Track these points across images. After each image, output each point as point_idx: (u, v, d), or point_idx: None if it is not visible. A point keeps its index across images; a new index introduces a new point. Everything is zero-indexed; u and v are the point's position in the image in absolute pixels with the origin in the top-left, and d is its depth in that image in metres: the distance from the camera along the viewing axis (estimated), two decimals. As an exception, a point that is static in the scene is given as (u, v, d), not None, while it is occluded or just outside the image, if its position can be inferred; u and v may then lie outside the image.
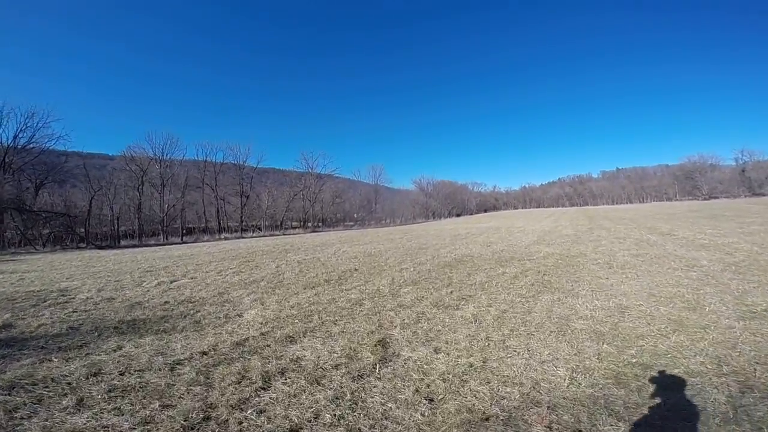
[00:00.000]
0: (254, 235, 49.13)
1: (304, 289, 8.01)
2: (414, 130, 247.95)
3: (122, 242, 41.32)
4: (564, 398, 3.06)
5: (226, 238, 43.89)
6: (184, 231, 55.26)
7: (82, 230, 40.16)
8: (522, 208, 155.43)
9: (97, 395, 3.34)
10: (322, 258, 13.08)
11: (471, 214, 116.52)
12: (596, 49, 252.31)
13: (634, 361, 3.71)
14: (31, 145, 36.22)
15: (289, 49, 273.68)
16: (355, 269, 10.20)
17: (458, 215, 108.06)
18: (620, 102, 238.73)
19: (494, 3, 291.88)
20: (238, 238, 43.99)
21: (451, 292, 7.16)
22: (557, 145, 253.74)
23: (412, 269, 9.99)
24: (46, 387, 3.54)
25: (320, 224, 65.01)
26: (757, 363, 3.51)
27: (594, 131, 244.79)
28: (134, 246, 37.24)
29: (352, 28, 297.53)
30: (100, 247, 34.96)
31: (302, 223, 62.93)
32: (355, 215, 77.17)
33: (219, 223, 57.15)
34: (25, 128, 35.03)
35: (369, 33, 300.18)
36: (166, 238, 44.48)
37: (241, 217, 55.13)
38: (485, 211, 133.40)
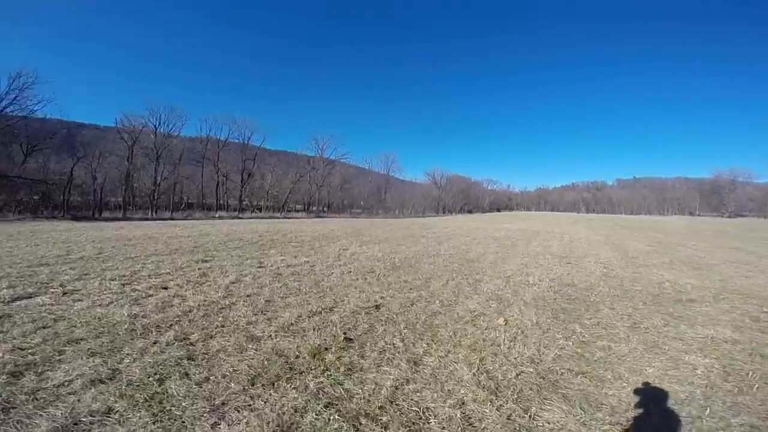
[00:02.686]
0: (252, 215, 44.78)
1: (246, 387, 3.33)
2: (429, 122, 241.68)
3: (105, 214, 37.20)
4: None
5: (221, 217, 39.68)
6: (181, 206, 51.30)
7: (61, 199, 36.14)
8: (535, 210, 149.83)
9: None
10: (319, 267, 8.35)
11: (483, 212, 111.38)
12: (620, 56, 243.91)
13: None
14: (12, 110, 31.75)
15: (305, 39, 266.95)
16: (376, 307, 5.42)
17: (470, 212, 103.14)
18: (640, 111, 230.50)
19: (519, 3, 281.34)
20: (234, 217, 39.73)
21: None
22: (573, 149, 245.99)
23: (495, 309, 5.22)
24: None
25: (325, 209, 60.48)
26: None
27: (612, 138, 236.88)
28: (115, 219, 33.08)
29: (372, 23, 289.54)
30: (76, 218, 30.85)
31: (306, 206, 58.44)
32: (362, 203, 72.71)
33: (217, 200, 52.89)
34: (9, 91, 30.47)
35: (390, 28, 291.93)
36: (154, 213, 40.22)
37: (240, 195, 50.70)
38: (498, 210, 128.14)
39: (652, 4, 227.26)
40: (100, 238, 13.33)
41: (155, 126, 43.41)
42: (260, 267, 8.07)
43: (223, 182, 52.98)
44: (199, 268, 7.78)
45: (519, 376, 3.44)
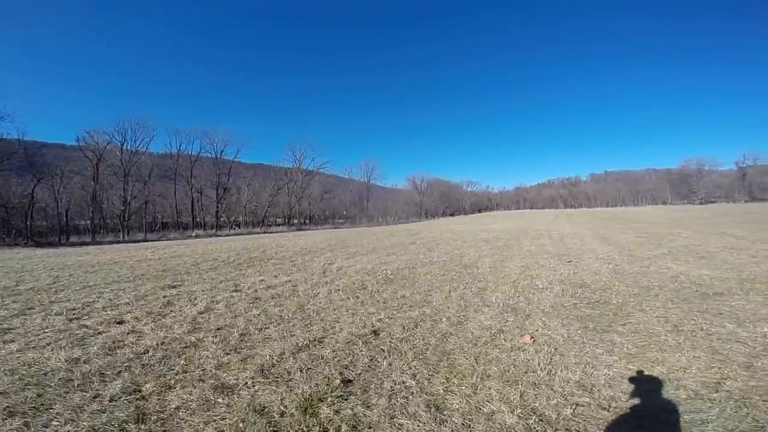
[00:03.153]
0: (231, 232, 43.22)
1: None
2: (407, 129, 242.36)
3: (72, 239, 34.98)
4: None
5: (197, 236, 38.06)
6: (156, 226, 49.07)
7: (22, 225, 33.82)
8: (515, 208, 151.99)
9: None
10: (302, 287, 7.41)
11: (465, 214, 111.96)
12: (587, 52, 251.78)
13: None
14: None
15: (277, 48, 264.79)
16: (374, 333, 4.55)
17: (452, 215, 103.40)
18: (609, 106, 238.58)
19: (488, 6, 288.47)
20: (211, 235, 38.12)
21: None
22: (548, 146, 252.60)
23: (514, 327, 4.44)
24: None
25: (307, 221, 59.18)
26: None
27: (583, 134, 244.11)
28: (83, 244, 31.15)
29: (343, 27, 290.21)
30: (40, 245, 28.83)
31: (287, 220, 56.96)
32: (345, 212, 71.72)
33: (193, 218, 50.89)
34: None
35: (362, 32, 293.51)
36: (126, 235, 38.14)
37: (217, 212, 48.86)
38: (479, 211, 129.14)
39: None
40: (60, 265, 12.03)
41: (121, 142, 41.42)
42: (235, 291, 7.09)
43: (198, 199, 51.04)
44: (164, 296, 6.75)
45: (576, 411, 2.66)
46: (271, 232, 42.43)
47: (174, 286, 7.79)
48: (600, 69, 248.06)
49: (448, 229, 27.45)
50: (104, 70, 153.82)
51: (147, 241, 33.81)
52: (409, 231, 27.78)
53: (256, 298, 6.41)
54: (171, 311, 5.72)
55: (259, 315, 5.36)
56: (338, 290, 6.85)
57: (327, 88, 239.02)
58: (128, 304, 6.26)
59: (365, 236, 22.81)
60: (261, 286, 7.35)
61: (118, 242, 32.61)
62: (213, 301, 6.26)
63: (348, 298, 6.28)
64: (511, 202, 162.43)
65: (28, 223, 33.80)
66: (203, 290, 7.24)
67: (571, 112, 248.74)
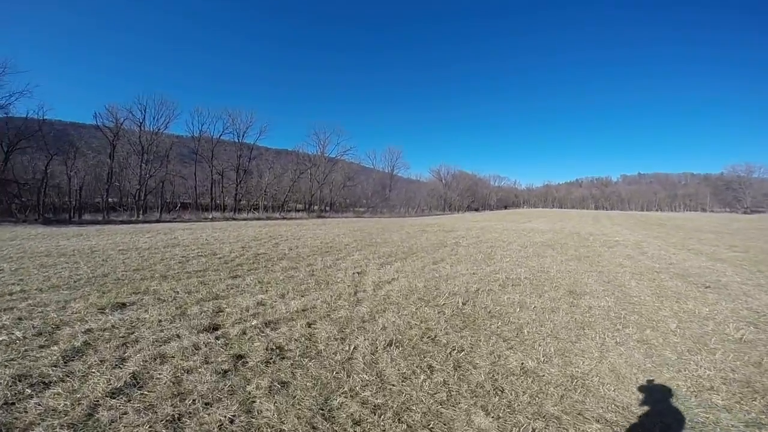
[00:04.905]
0: (249, 216, 41.03)
1: None
2: (432, 122, 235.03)
3: (86, 217, 33.43)
4: None
5: (213, 219, 36.07)
6: (176, 207, 47.57)
7: (35, 201, 32.47)
8: (542, 206, 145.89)
9: None
10: (325, 332, 4.42)
11: (491, 209, 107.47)
12: (622, 58, 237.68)
13: None
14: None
15: (312, 44, 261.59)
16: None
17: (476, 210, 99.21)
18: (644, 108, 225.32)
19: (521, 7, 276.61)
20: (228, 219, 36.03)
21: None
22: (577, 144, 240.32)
23: None
24: None
25: (327, 209, 56.61)
26: None
27: (616, 134, 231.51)
28: (94, 222, 29.43)
29: (377, 26, 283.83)
30: (48, 222, 27.18)
31: (307, 206, 54.54)
32: (366, 201, 68.93)
33: (212, 199, 49.08)
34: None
35: (395, 30, 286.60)
36: (141, 214, 36.39)
37: (236, 195, 46.84)
38: (505, 207, 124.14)
39: (652, 7, 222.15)
40: (29, 252, 9.58)
41: (141, 119, 39.52)
42: (210, 330, 4.18)
43: (219, 181, 49.13)
44: (84, 331, 3.92)
45: None
46: (290, 218, 40.09)
47: (123, 305, 5.03)
48: (635, 73, 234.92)
49: (484, 227, 24.10)
50: (130, 57, 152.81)
51: (160, 221, 31.95)
52: (441, 226, 24.56)
53: (238, 360, 3.48)
54: (59, 380, 2.85)
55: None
56: (388, 345, 3.83)
57: (352, 83, 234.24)
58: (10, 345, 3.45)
59: (392, 230, 19.78)
60: (255, 323, 4.42)
61: (131, 221, 30.83)
62: (155, 359, 3.38)
63: (414, 372, 3.27)
64: (539, 200, 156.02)
65: (42, 199, 32.45)
66: (159, 321, 4.41)
67: (604, 111, 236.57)
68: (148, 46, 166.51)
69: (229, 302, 5.26)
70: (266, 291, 5.83)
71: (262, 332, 4.17)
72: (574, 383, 3.22)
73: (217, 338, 4.01)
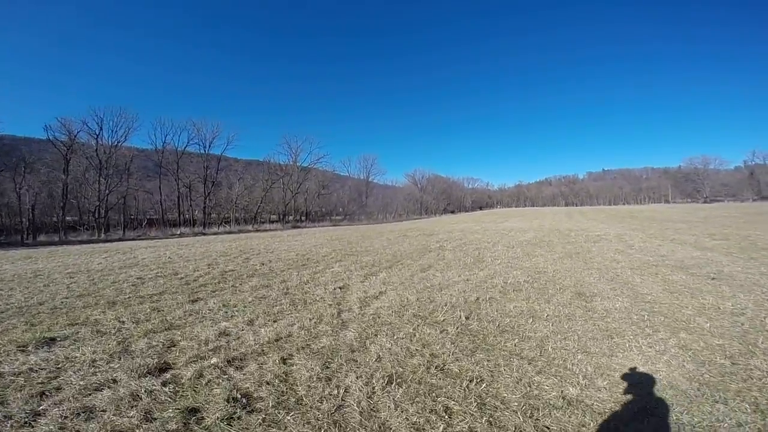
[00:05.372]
0: (219, 230, 39.18)
1: None
2: (406, 129, 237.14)
3: (41, 238, 30.84)
4: None
5: (182, 234, 34.21)
6: (143, 223, 44.97)
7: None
8: (515, 206, 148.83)
9: None
10: (306, 369, 3.61)
11: (467, 211, 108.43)
12: (582, 55, 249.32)
13: None
14: None
15: (279, 55, 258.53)
16: None
17: (452, 212, 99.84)
18: (606, 106, 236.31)
19: (484, 13, 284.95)
20: (198, 234, 34.22)
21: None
22: (546, 144, 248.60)
23: None
24: None
25: (303, 218, 55.17)
26: None
27: (581, 133, 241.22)
28: (49, 243, 27.07)
29: (342, 35, 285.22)
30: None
31: (281, 216, 52.92)
32: (342, 209, 67.85)
33: (179, 214, 46.74)
34: None
35: (360, 40, 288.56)
36: (102, 233, 33.96)
37: (204, 208, 44.82)
38: (480, 208, 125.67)
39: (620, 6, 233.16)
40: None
41: (97, 132, 37.11)
42: (156, 373, 3.24)
43: (187, 194, 46.86)
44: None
45: None
46: (263, 230, 38.59)
47: (52, 341, 4.06)
48: (596, 71, 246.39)
49: (464, 228, 23.65)
50: (88, 72, 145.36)
51: (123, 240, 29.84)
52: (421, 230, 23.94)
53: (192, 414, 2.59)
54: None
55: None
56: (387, 382, 3.00)
57: (326, 92, 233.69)
58: None
59: (372, 237, 18.97)
60: (215, 360, 3.49)
61: (91, 241, 28.60)
62: (78, 414, 2.48)
63: (428, 420, 2.47)
64: (512, 200, 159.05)
65: (-13, 220, 29.81)
66: (93, 361, 3.44)
67: (569, 111, 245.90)
68: (107, 63, 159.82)
69: (185, 333, 4.30)
70: (231, 317, 4.89)
71: (224, 373, 3.27)
72: (635, 411, 2.52)
73: (164, 383, 3.10)
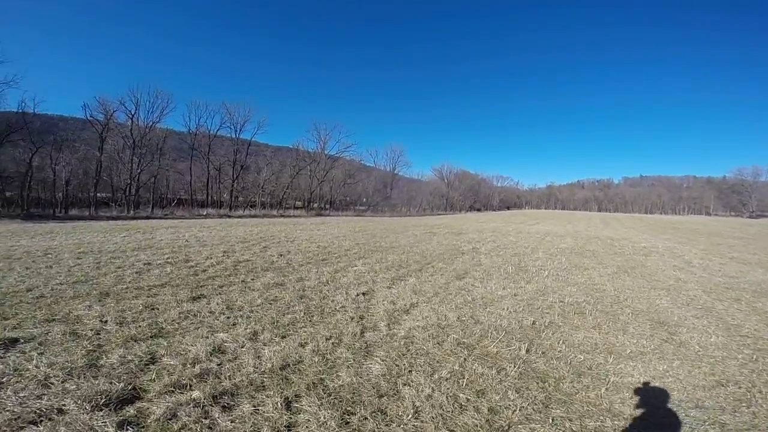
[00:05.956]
0: (244, 213, 39.27)
1: None
2: (434, 121, 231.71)
3: (74, 212, 31.61)
4: None
5: (208, 215, 34.40)
6: (173, 202, 45.79)
7: (18, 194, 30.85)
8: (545, 208, 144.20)
9: None
10: (313, 415, 2.65)
11: (493, 210, 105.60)
12: (626, 59, 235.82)
13: None
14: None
15: (313, 41, 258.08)
16: None
17: (478, 210, 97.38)
18: (646, 110, 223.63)
19: (532, 7, 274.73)
20: (223, 216, 34.25)
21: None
22: (579, 145, 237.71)
23: None
24: None
25: (327, 206, 54.80)
26: None
27: (618, 136, 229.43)
28: (80, 218, 27.51)
29: (381, 23, 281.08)
30: (29, 217, 25.41)
31: (306, 203, 52.75)
32: (366, 200, 67.20)
33: (208, 196, 47.23)
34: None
35: (399, 27, 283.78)
36: (132, 210, 34.55)
37: (231, 191, 45.08)
38: (507, 208, 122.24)
39: (661, 8, 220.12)
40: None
41: (133, 112, 37.61)
42: (117, 406, 2.38)
43: (216, 177, 47.28)
44: None
45: None
46: (287, 216, 38.37)
47: (13, 342, 3.36)
48: (636, 72, 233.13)
49: (495, 229, 22.32)
50: (126, 50, 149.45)
51: (150, 218, 30.08)
52: (448, 228, 22.76)
53: None
54: None
55: None
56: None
57: (355, 80, 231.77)
58: None
59: (398, 231, 17.99)
60: (197, 395, 2.62)
61: (120, 218, 28.98)
62: None
63: None
64: (541, 201, 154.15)
65: (26, 193, 30.73)
66: (46, 377, 2.62)
67: (606, 112, 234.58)
68: (144, 41, 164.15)
69: (172, 344, 3.48)
70: (233, 324, 4.04)
71: (206, 416, 2.40)
72: None
73: (122, 425, 2.26)
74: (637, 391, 2.89)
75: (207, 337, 3.67)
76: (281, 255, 8.94)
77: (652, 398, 2.79)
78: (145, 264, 7.34)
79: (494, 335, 3.92)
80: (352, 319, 4.30)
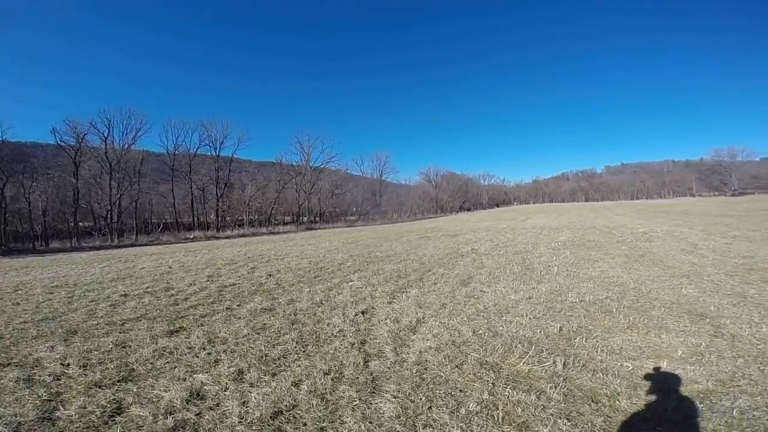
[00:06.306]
0: (233, 233, 38.25)
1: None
2: (418, 125, 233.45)
3: (55, 244, 30.34)
4: None
5: (195, 239, 33.31)
6: (158, 227, 44.46)
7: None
8: (533, 202, 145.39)
9: None
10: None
11: (483, 208, 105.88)
12: (602, 51, 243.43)
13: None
14: None
15: (290, 54, 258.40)
16: None
17: (468, 210, 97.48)
18: (624, 99, 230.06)
19: (504, 7, 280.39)
20: (210, 238, 33.25)
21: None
22: (563, 138, 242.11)
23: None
24: None
25: (317, 219, 53.99)
26: None
27: (598, 126, 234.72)
28: (61, 250, 26.35)
29: (351, 31, 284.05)
30: (8, 252, 24.23)
31: (295, 218, 51.95)
32: (356, 209, 66.62)
33: (194, 218, 46.12)
34: None
35: (370, 35, 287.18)
36: (116, 238, 33.31)
37: (217, 211, 43.99)
38: (497, 205, 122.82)
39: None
40: None
41: (106, 134, 36.47)
42: None
43: (201, 197, 46.18)
44: None
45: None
46: (277, 232, 37.55)
47: None
48: (610, 63, 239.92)
49: (489, 227, 21.93)
50: (96, 72, 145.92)
51: (135, 245, 28.96)
52: (442, 230, 22.32)
53: None
54: None
55: None
56: None
57: (335, 90, 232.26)
58: None
59: (391, 239, 17.44)
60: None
61: (103, 247, 27.79)
62: None
63: None
64: (529, 196, 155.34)
65: (0, 228, 29.38)
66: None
67: (585, 105, 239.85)
68: (116, 62, 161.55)
69: (142, 390, 2.88)
70: (215, 362, 3.43)
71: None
72: None
73: None
74: (713, 402, 2.38)
75: (184, 380, 3.07)
76: (270, 275, 8.31)
77: (734, 408, 2.29)
78: (121, 296, 6.66)
79: (520, 349, 3.39)
80: (353, 345, 3.71)
